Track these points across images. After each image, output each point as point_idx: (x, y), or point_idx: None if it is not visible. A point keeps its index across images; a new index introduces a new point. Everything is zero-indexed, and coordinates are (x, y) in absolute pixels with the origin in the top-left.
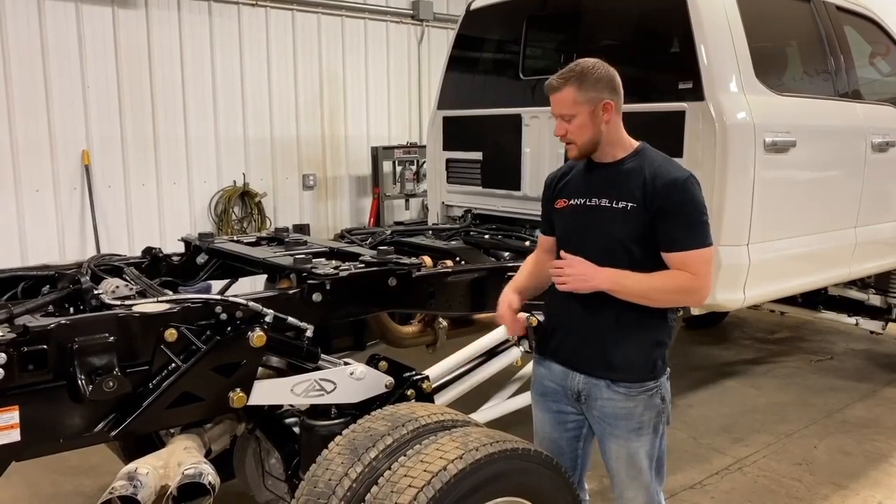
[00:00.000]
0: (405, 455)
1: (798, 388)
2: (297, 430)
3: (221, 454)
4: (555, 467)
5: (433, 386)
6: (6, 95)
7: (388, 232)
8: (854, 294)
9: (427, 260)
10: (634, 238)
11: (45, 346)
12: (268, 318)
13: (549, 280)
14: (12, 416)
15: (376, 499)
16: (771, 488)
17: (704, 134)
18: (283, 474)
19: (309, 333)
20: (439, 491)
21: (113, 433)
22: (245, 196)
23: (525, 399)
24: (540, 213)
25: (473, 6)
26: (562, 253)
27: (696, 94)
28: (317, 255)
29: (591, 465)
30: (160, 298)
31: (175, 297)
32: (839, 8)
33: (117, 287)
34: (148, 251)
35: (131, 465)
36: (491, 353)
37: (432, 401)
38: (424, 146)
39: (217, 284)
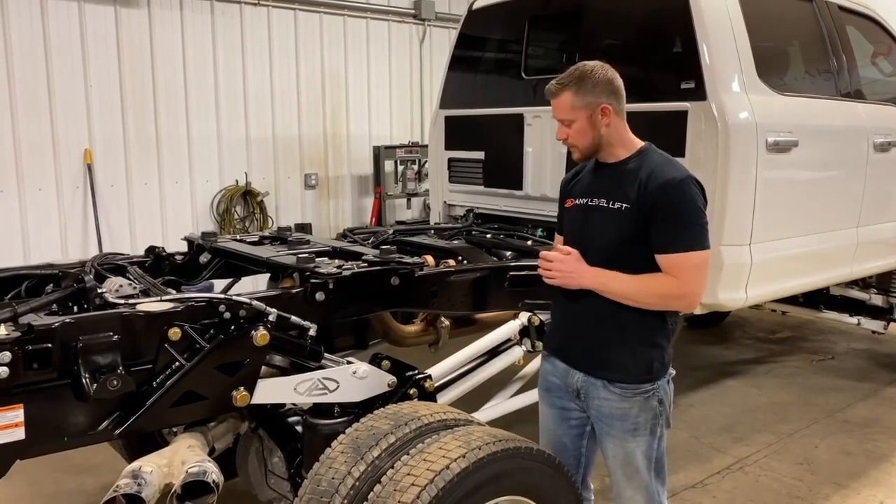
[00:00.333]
0: (408, 454)
1: (799, 387)
2: (299, 428)
3: (224, 453)
4: (557, 466)
5: (435, 385)
6: (9, 94)
7: (391, 231)
8: (855, 294)
9: (429, 259)
10: (629, 239)
11: (49, 345)
12: (271, 317)
13: None
14: (17, 414)
15: (379, 497)
16: (772, 488)
17: (707, 134)
18: (286, 473)
19: (312, 332)
20: (442, 489)
21: (117, 431)
22: (247, 195)
23: (527, 398)
24: (542, 212)
25: (475, 6)
26: (556, 246)
27: (699, 93)
28: (320, 254)
29: (595, 464)
30: (164, 297)
31: (179, 295)
32: (841, 8)
33: (121, 286)
34: (151, 250)
35: (135, 464)
36: (493, 353)
37: (435, 400)
38: (426, 145)
39: (220, 284)
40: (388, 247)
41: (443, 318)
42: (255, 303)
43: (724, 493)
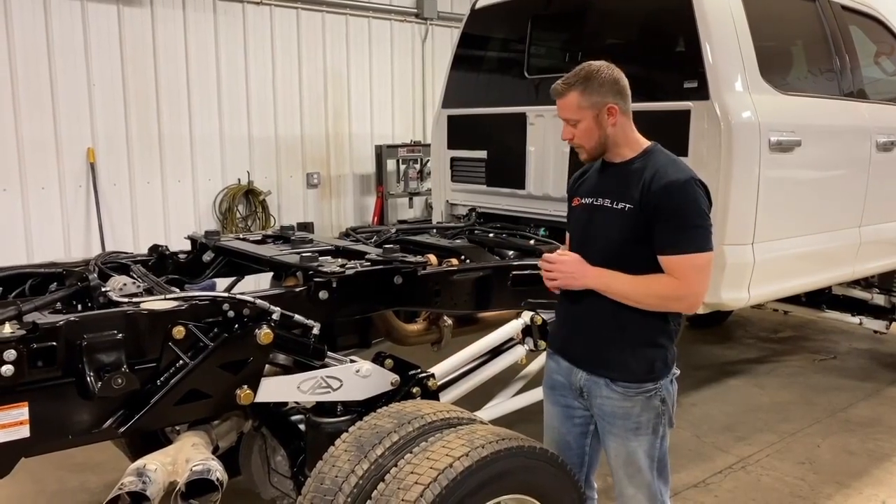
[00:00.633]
0: (411, 452)
1: (801, 387)
2: (302, 427)
3: (228, 451)
4: (560, 465)
5: (438, 384)
6: (12, 93)
7: (393, 230)
8: (858, 293)
9: (432, 258)
10: (632, 239)
11: (54, 343)
12: (275, 316)
13: None
14: (22, 412)
15: (383, 495)
16: (774, 487)
17: (709, 133)
18: (289, 471)
19: (315, 331)
20: (445, 488)
21: (121, 429)
22: (249, 194)
23: (529, 397)
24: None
25: (478, 5)
26: (559, 249)
27: (702, 93)
28: (323, 253)
29: (599, 463)
30: (168, 296)
31: (182, 294)
32: (844, 7)
33: (125, 284)
34: (154, 249)
35: (140, 462)
36: (496, 352)
37: (437, 398)
38: (428, 145)
39: (222, 282)
40: (390, 246)
41: (445, 317)
42: (258, 301)
43: (726, 492)
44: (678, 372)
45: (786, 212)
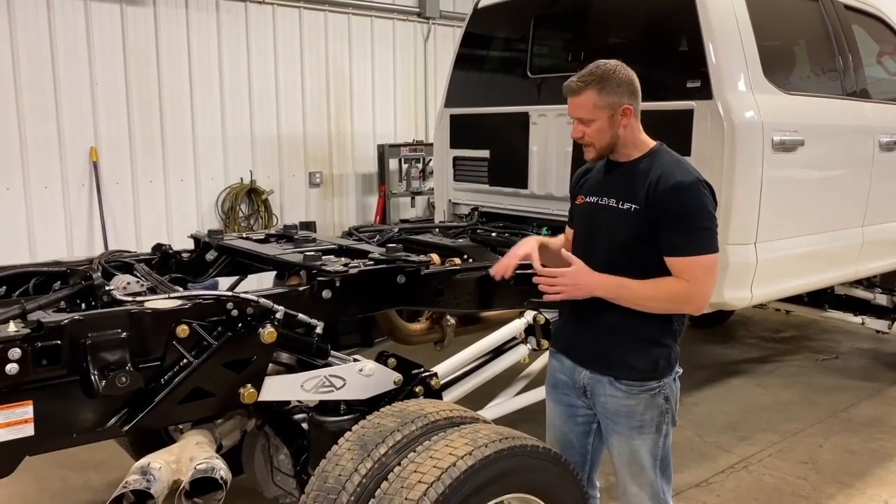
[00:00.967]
0: (415, 451)
1: (803, 386)
2: (305, 426)
3: (231, 450)
4: (563, 464)
5: (441, 383)
6: (15, 92)
7: (396, 229)
8: (860, 293)
9: (435, 258)
10: (637, 240)
11: (58, 342)
12: (278, 315)
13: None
14: (26, 410)
15: (386, 494)
16: (776, 487)
17: (712, 132)
18: (292, 470)
19: (319, 330)
20: (449, 487)
21: (125, 428)
22: (252, 193)
23: (532, 396)
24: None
25: (481, 4)
26: (562, 252)
27: (705, 92)
28: (326, 252)
29: (601, 461)
30: (171, 295)
31: (186, 293)
32: (847, 7)
33: (128, 283)
34: (158, 248)
35: (144, 460)
36: (498, 351)
37: (440, 398)
38: (430, 144)
39: (225, 281)
40: (393, 245)
41: (448, 317)
42: (262, 300)
43: (728, 491)
44: (681, 371)
45: (788, 211)
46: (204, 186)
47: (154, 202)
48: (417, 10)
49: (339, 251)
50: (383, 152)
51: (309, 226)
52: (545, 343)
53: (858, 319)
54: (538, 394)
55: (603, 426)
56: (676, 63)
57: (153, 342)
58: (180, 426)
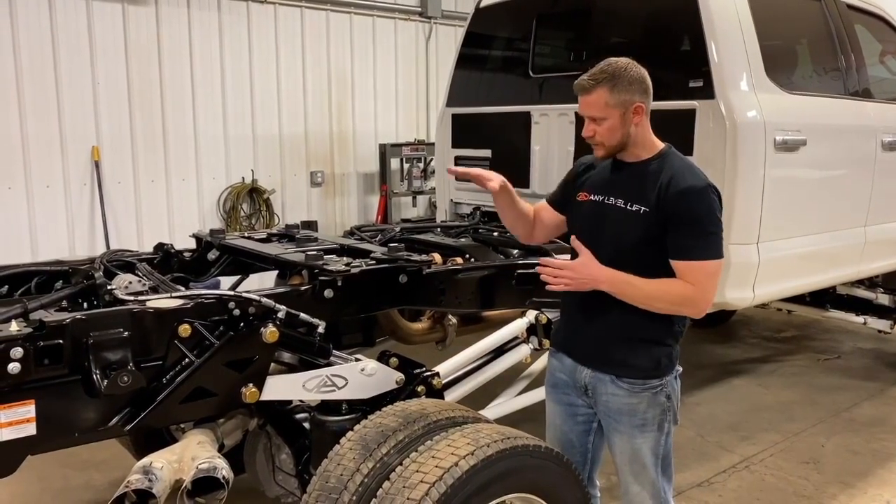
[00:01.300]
0: (416, 451)
1: (805, 386)
2: (307, 425)
3: (233, 449)
4: (565, 464)
5: (443, 382)
6: (17, 91)
7: (398, 229)
8: (862, 293)
9: (437, 257)
10: (644, 241)
11: (60, 341)
12: (280, 314)
13: (522, 218)
14: (28, 409)
15: (388, 494)
16: (778, 486)
17: (715, 132)
18: (294, 469)
19: (321, 329)
20: (451, 486)
21: (127, 427)
22: (253, 193)
23: (533, 396)
24: None
25: (483, 4)
26: (573, 241)
27: (707, 92)
28: (328, 251)
29: (601, 461)
30: (173, 294)
31: (188, 292)
32: (850, 6)
33: (130, 283)
34: (160, 247)
35: (146, 460)
36: (500, 351)
37: (442, 397)
38: (432, 143)
39: (227, 280)
40: (395, 244)
41: (450, 316)
42: (264, 300)
43: (730, 491)
44: (681, 369)
45: (791, 211)
46: (206, 186)
47: (156, 201)
48: (419, 9)
49: (341, 250)
50: (385, 152)
51: (310, 225)
52: (547, 343)
53: (860, 319)
54: (540, 393)
55: (605, 425)
56: (678, 62)
57: (155, 341)
58: (182, 426)
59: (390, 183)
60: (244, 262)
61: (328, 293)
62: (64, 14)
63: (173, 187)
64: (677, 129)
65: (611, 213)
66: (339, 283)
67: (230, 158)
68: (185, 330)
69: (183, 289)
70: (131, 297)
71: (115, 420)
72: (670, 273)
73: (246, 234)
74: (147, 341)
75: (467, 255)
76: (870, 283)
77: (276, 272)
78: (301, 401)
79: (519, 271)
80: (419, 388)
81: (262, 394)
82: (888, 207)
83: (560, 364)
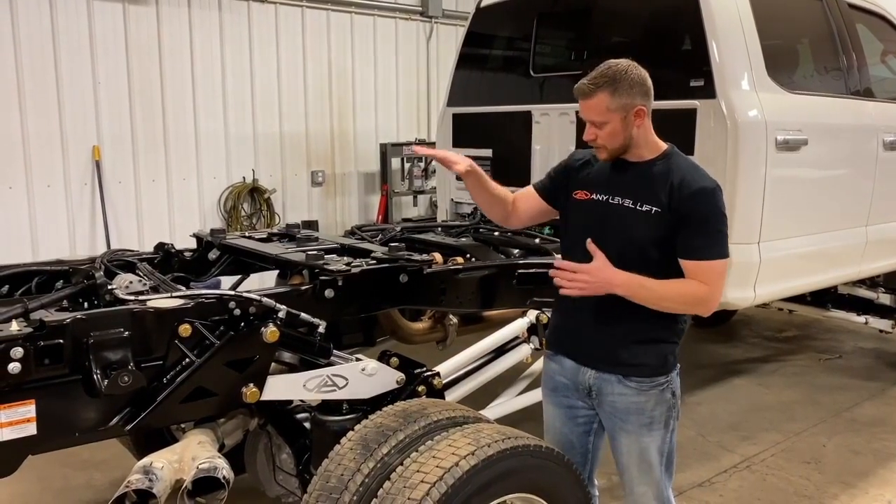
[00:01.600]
0: (417, 451)
1: (806, 386)
2: (308, 425)
3: (233, 449)
4: (566, 464)
5: (444, 382)
6: (18, 91)
7: (398, 228)
8: (863, 293)
9: (437, 257)
10: (654, 242)
11: (61, 341)
12: (281, 314)
13: (495, 200)
14: (28, 409)
15: (388, 494)
16: (779, 486)
17: (716, 132)
18: (294, 469)
19: (321, 329)
20: (451, 486)
21: (128, 427)
22: (254, 192)
23: (534, 396)
24: None
25: (483, 3)
26: (588, 244)
27: (708, 91)
28: (328, 251)
29: (600, 461)
30: (174, 294)
31: (189, 292)
32: (851, 6)
33: (131, 282)
34: (160, 247)
35: (146, 459)
36: (501, 350)
37: (443, 397)
38: (433, 143)
39: (227, 280)
40: (396, 244)
41: (451, 316)
42: (264, 300)
43: (731, 491)
44: (679, 366)
45: (792, 211)
46: (206, 185)
47: (156, 201)
48: (420, 9)
49: (342, 250)
50: (386, 151)
51: (311, 225)
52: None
53: (862, 319)
54: (540, 393)
55: (610, 426)
56: (680, 62)
57: (155, 341)
58: (182, 425)
59: (391, 182)
60: (245, 262)
61: (329, 293)
62: (65, 13)
63: (174, 187)
64: (678, 129)
65: (617, 213)
66: (340, 283)
67: (231, 158)
68: (185, 330)
69: (183, 288)
70: (132, 297)
71: (115, 420)
72: (673, 272)
73: (246, 234)
74: (147, 341)
75: (468, 255)
76: (871, 282)
77: (276, 272)
78: (302, 401)
79: (520, 271)
80: (420, 388)
81: (263, 394)
82: (889, 207)
83: (560, 367)
